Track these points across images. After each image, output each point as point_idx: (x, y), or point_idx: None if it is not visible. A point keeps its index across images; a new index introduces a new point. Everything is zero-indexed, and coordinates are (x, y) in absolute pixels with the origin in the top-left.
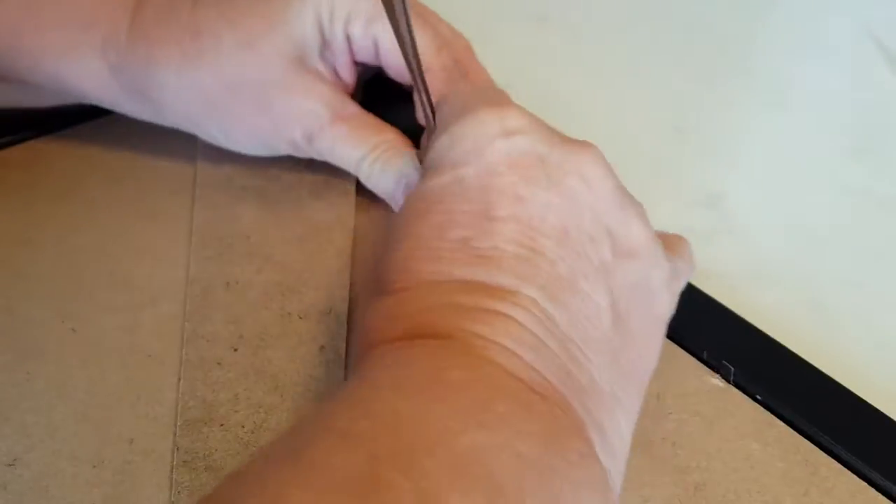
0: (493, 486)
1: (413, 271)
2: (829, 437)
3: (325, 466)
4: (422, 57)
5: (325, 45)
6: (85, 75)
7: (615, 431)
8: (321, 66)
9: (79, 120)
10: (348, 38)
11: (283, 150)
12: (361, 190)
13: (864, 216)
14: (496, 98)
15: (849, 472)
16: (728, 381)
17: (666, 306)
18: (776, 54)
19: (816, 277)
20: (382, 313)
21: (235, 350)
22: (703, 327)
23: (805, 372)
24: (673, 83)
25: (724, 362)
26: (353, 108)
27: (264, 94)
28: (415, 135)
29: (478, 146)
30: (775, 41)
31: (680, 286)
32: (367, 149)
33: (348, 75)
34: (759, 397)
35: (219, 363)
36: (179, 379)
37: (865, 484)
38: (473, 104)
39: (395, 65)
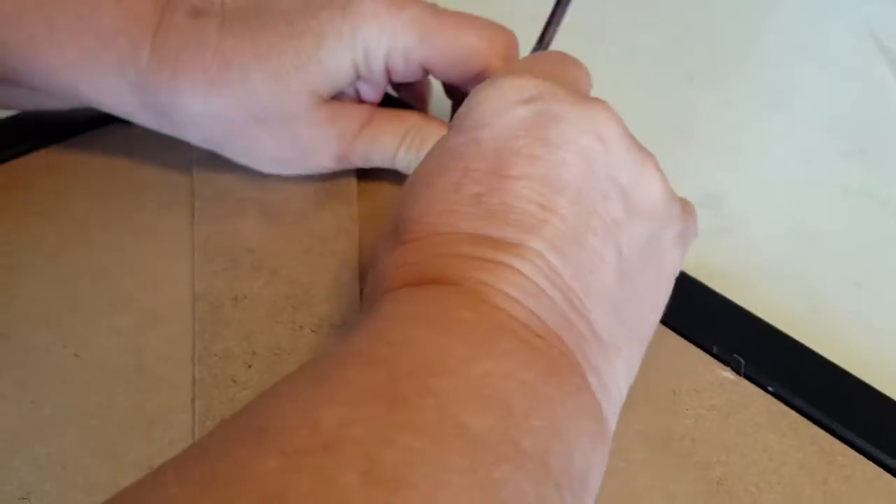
0: (503, 407)
1: (426, 223)
2: (842, 425)
3: (352, 384)
4: (477, 53)
5: (358, 78)
6: (103, 90)
7: (611, 377)
8: (349, 92)
9: (64, 135)
10: (387, 70)
11: (312, 171)
12: (364, 198)
13: (864, 216)
14: (528, 67)
15: (865, 459)
16: (739, 374)
17: (676, 262)
18: (776, 54)
19: (816, 277)
20: (396, 261)
21: (249, 366)
22: (712, 322)
23: (813, 361)
24: (673, 83)
25: (735, 355)
26: (372, 110)
27: (291, 126)
28: None
29: (496, 111)
30: (775, 41)
31: (690, 242)
32: (396, 142)
33: (375, 95)
34: (770, 388)
35: (233, 380)
36: (194, 399)
37: (882, 470)
38: (500, 75)
39: (449, 76)
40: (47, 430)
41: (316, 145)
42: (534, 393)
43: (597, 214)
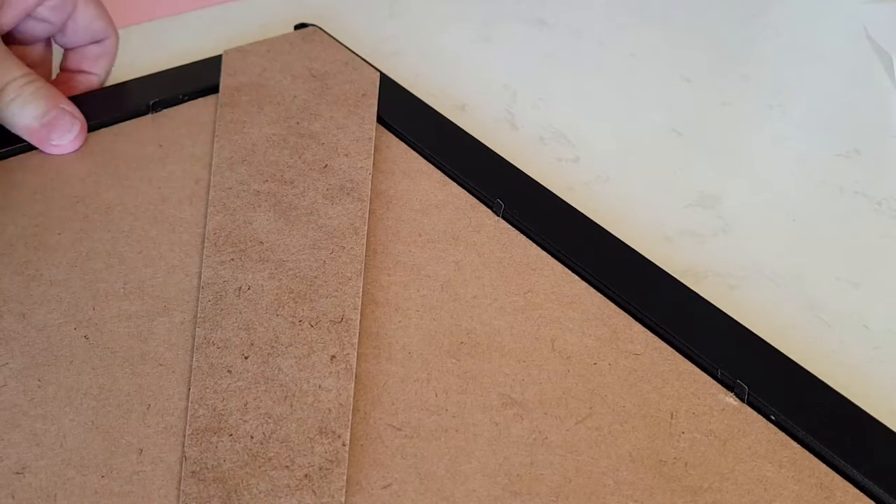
0: None
1: None
2: (845, 460)
3: None
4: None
5: None
6: None
7: None
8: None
9: (95, 126)
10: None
11: None
12: (376, 196)
13: (860, 216)
14: None
15: (866, 497)
16: (742, 401)
17: None
18: (773, 56)
19: (812, 277)
20: None
21: (246, 357)
22: (718, 345)
23: (821, 392)
24: (670, 86)
25: (739, 381)
26: None
27: None
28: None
29: None
30: (772, 43)
31: None
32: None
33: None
34: (773, 417)
35: (229, 371)
36: (189, 387)
37: None
38: None
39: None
40: (49, 407)
41: None
42: None
43: None
